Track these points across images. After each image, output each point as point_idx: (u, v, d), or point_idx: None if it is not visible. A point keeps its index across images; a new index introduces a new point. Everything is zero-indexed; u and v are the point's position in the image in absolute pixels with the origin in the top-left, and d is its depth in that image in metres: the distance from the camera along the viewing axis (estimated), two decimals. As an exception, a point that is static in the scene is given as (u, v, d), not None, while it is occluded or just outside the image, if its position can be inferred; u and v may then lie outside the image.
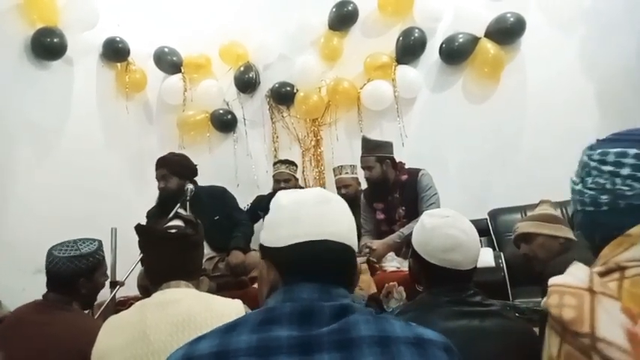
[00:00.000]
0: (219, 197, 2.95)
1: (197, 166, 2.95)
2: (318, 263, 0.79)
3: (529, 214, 2.16)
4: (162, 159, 2.89)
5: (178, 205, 2.66)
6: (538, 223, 2.02)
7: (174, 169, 2.84)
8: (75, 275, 1.73)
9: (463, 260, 1.23)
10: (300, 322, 0.70)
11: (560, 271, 0.89)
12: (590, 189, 0.88)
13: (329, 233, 0.79)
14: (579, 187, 0.91)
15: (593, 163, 0.89)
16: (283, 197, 0.85)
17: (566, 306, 0.71)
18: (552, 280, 0.77)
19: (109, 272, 2.89)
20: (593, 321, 0.68)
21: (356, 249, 0.84)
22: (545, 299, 0.77)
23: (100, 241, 1.90)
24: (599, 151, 0.89)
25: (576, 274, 0.75)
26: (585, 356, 0.66)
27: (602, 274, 0.76)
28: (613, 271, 0.76)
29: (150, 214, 2.90)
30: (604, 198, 0.86)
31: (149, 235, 1.41)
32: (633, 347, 0.64)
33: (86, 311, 1.93)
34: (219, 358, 0.67)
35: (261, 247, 0.84)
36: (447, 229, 1.26)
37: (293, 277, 0.78)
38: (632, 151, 0.84)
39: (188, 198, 2.71)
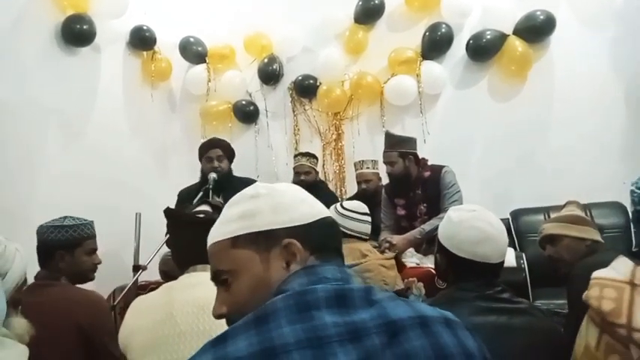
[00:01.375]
0: None
1: None
2: (338, 238, 0.82)
3: (555, 215, 2.12)
4: (217, 141, 3.01)
5: (201, 193, 2.69)
6: (564, 225, 1.98)
7: (227, 152, 2.96)
8: (53, 246, 1.75)
9: (492, 253, 1.22)
10: (338, 306, 0.65)
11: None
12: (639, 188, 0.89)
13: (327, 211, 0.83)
14: (633, 187, 0.92)
15: None
16: (274, 185, 0.82)
17: (605, 298, 0.73)
18: (595, 274, 0.78)
19: (131, 255, 2.97)
20: (631, 312, 0.69)
21: None
22: (586, 292, 0.77)
23: (91, 222, 1.90)
24: None
25: (619, 267, 0.77)
26: (624, 347, 0.68)
27: None
28: None
29: (183, 194, 2.94)
30: None
31: (177, 219, 1.43)
32: None
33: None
34: (266, 357, 0.59)
35: (264, 234, 0.75)
36: (474, 221, 1.25)
37: (322, 253, 0.76)
38: None
39: (211, 186, 2.74)
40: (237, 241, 0.76)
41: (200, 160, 3.02)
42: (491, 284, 1.19)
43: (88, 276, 1.91)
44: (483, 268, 1.21)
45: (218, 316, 0.78)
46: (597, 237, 1.90)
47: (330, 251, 0.78)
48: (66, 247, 1.78)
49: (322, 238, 0.77)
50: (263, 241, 0.75)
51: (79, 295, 1.77)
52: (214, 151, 2.93)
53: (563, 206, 2.10)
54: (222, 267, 0.77)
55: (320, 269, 0.73)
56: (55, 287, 1.75)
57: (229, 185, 2.87)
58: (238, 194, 0.82)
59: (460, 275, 1.26)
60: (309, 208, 0.79)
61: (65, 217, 1.84)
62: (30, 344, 1.35)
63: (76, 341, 1.61)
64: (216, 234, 0.79)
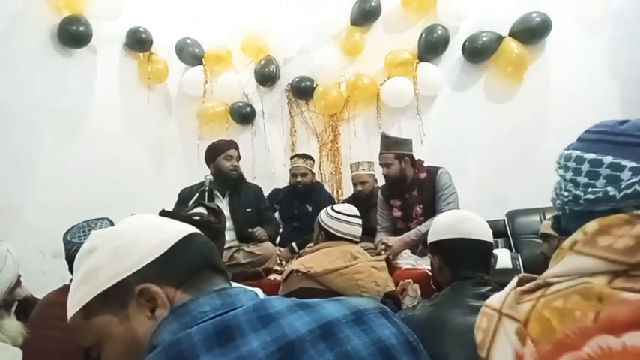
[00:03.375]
0: (256, 193, 3.14)
1: None
2: (209, 253, 0.71)
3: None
4: (234, 142, 3.07)
5: (197, 196, 2.70)
6: (555, 225, 1.98)
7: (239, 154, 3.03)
8: None
9: (472, 229, 1.33)
10: (220, 344, 0.56)
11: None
12: (554, 190, 0.80)
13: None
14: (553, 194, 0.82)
15: (556, 165, 0.80)
16: (112, 228, 0.73)
17: (479, 328, 0.70)
18: (487, 300, 0.75)
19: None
20: (491, 345, 0.67)
21: None
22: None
23: (109, 219, 1.86)
24: (563, 152, 0.80)
25: (504, 290, 0.72)
26: None
27: (532, 291, 0.70)
28: (541, 287, 0.70)
29: (185, 194, 2.94)
30: (558, 203, 0.79)
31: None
32: None
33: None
34: None
35: (112, 290, 0.64)
36: (451, 212, 1.52)
37: (192, 282, 0.66)
38: (576, 153, 0.75)
39: (207, 188, 2.74)
40: (88, 311, 0.66)
41: (214, 159, 2.97)
42: (484, 283, 1.20)
43: None
44: (470, 244, 1.31)
45: None
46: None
47: (202, 274, 0.68)
48: None
49: (187, 263, 0.67)
50: (114, 298, 0.64)
51: None
52: (232, 151, 2.97)
53: None
54: (86, 344, 0.67)
55: (193, 305, 0.62)
56: None
57: (240, 188, 2.96)
58: (78, 253, 0.71)
59: (453, 260, 1.32)
60: (159, 236, 0.68)
61: (89, 225, 1.78)
62: (55, 341, 1.34)
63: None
64: (69, 307, 0.69)
